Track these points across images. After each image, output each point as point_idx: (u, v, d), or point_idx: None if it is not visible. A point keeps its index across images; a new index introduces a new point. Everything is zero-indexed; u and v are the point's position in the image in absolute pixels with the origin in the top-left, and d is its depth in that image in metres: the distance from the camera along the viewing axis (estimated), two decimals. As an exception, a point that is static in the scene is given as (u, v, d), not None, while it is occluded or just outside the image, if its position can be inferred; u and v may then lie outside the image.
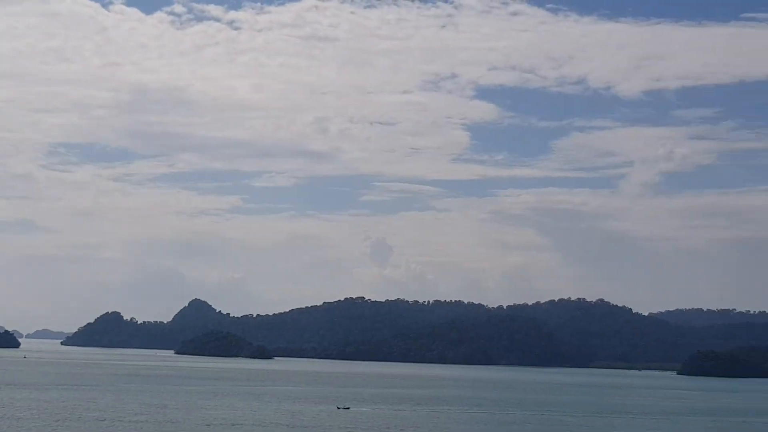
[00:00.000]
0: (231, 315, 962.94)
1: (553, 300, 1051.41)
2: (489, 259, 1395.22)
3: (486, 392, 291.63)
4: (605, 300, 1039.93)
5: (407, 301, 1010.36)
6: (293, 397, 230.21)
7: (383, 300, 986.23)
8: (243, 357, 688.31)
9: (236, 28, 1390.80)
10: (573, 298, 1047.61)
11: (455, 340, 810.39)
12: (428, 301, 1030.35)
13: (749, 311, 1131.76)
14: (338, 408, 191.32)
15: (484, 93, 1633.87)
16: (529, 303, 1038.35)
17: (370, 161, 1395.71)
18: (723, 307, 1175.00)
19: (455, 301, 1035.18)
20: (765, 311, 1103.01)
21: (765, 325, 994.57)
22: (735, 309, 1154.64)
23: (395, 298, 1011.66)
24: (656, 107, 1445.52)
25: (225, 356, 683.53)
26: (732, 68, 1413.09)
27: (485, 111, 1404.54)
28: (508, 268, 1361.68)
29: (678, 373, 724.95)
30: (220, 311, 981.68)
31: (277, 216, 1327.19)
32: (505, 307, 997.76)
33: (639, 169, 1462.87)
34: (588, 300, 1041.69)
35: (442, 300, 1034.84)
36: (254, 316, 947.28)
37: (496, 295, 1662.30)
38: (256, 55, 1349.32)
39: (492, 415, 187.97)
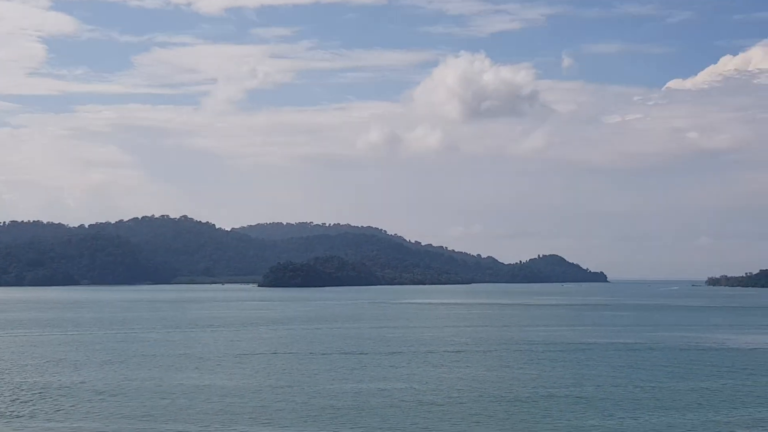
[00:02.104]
0: None
1: (137, 217, 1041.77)
2: (69, 177, 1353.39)
3: (65, 313, 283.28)
4: (189, 216, 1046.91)
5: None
6: None
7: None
8: None
9: None
10: (157, 215, 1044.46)
11: (34, 261, 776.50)
12: (4, 222, 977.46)
13: (325, 224, 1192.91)
14: None
15: (62, 4, 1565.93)
16: (113, 221, 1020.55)
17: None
18: (301, 221, 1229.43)
19: (34, 221, 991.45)
20: (339, 223, 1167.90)
21: (339, 237, 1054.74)
22: (312, 222, 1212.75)
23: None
24: (237, 25, 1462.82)
25: None
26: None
27: (63, 23, 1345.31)
28: (90, 186, 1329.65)
29: (259, 285, 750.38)
30: None
31: None
32: (87, 226, 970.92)
33: (222, 86, 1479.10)
34: (172, 217, 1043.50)
35: (19, 220, 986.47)
36: None
37: (77, 214, 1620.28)
38: None
39: (70, 336, 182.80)
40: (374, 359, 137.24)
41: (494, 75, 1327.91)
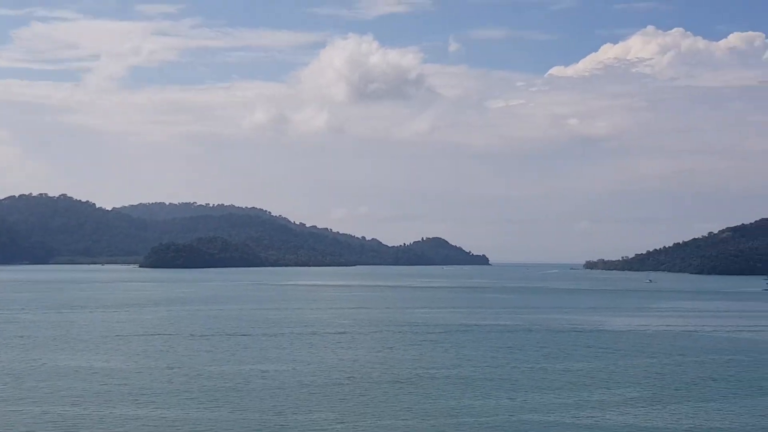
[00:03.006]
0: None
1: (14, 195, 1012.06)
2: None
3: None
4: (68, 195, 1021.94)
5: None
6: None
7: None
8: None
9: None
10: (35, 194, 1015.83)
11: None
12: None
13: (209, 204, 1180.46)
14: None
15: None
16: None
17: None
18: (184, 201, 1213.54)
19: None
20: (223, 204, 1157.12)
21: (223, 217, 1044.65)
22: (196, 202, 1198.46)
23: None
24: (119, 1, 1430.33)
25: None
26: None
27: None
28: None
29: (140, 266, 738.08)
30: None
31: None
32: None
33: (104, 63, 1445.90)
34: (50, 195, 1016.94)
35: None
36: None
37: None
38: None
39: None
40: (256, 341, 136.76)
41: (381, 58, 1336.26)
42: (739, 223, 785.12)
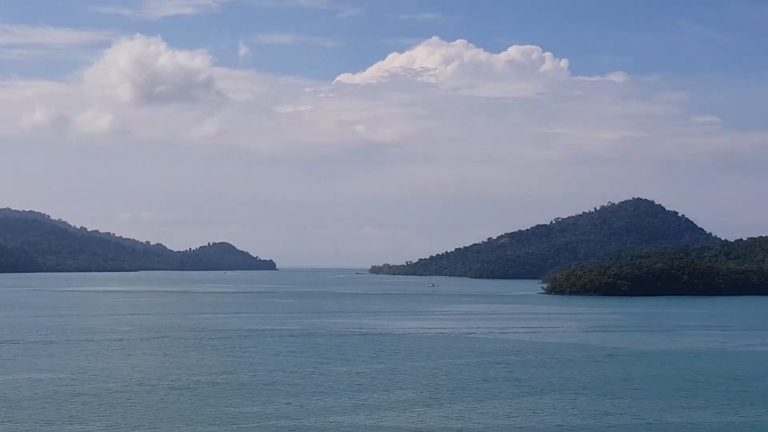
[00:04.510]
0: None
1: None
2: None
3: None
4: None
5: None
6: None
7: None
8: None
9: None
10: None
11: None
12: None
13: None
14: None
15: None
16: None
17: None
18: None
19: None
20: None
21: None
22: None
23: None
24: None
25: None
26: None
27: None
28: None
29: None
30: None
31: None
32: None
33: None
34: None
35: None
36: None
37: None
38: None
39: None
40: (29, 349, 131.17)
41: (169, 59, 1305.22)
42: (516, 230, 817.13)
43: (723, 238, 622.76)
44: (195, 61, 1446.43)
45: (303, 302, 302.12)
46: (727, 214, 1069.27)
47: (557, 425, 78.49)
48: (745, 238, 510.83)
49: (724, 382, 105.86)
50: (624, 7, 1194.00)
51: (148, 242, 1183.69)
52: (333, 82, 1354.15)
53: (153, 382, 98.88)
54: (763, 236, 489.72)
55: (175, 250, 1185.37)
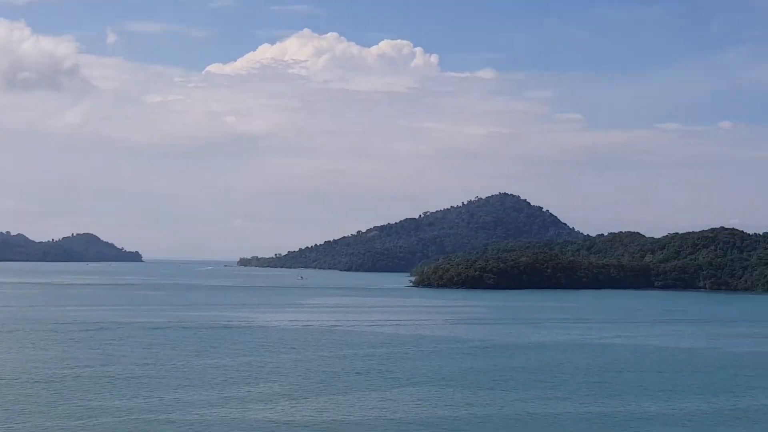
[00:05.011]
0: None
1: None
2: None
3: None
4: None
5: None
6: None
7: None
8: None
9: None
10: None
11: None
12: None
13: None
14: None
15: None
16: None
17: None
18: None
19: None
20: None
21: None
22: None
23: None
24: None
25: None
26: None
27: None
28: None
29: None
30: None
31: None
32: None
33: None
34: None
35: None
36: None
37: None
38: None
39: None
40: None
41: (33, 45, 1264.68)
42: (386, 223, 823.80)
43: (585, 233, 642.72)
44: (60, 47, 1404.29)
45: (170, 294, 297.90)
46: (589, 209, 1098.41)
47: (423, 417, 79.80)
48: (606, 233, 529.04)
49: (584, 374, 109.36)
50: (494, 5, 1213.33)
51: (8, 233, 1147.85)
52: (203, 72, 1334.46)
53: (13, 375, 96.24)
54: (623, 231, 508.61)
55: (38, 240, 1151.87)
